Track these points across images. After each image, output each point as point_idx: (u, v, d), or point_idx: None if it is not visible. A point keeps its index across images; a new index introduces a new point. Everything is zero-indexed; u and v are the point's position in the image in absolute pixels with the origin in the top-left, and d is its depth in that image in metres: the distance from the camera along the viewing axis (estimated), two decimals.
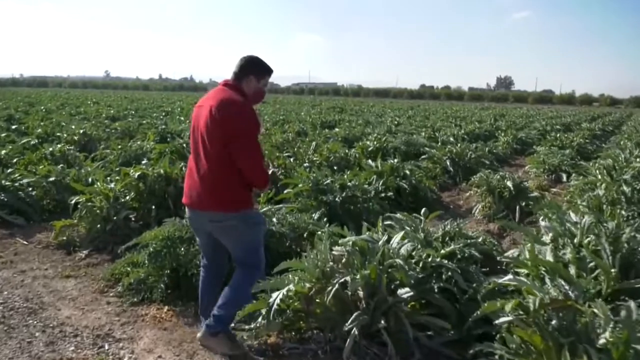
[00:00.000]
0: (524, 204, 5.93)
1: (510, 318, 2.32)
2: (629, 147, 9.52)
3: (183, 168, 5.49)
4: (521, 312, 2.34)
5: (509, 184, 5.71)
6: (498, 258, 3.32)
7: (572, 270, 3.01)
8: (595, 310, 2.21)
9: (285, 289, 2.70)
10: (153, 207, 4.70)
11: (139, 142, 8.78)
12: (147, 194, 4.79)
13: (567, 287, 2.56)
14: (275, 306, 2.63)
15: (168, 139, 9.48)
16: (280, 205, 4.42)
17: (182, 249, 3.43)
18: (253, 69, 2.68)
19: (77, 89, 67.00)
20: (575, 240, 3.27)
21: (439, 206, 6.46)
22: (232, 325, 2.85)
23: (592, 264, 2.98)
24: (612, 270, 2.65)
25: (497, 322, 2.36)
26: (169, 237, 3.47)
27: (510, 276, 2.57)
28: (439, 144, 10.61)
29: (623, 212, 3.60)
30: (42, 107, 18.25)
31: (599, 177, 6.40)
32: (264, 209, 4.13)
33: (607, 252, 2.82)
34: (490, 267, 3.93)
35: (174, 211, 4.83)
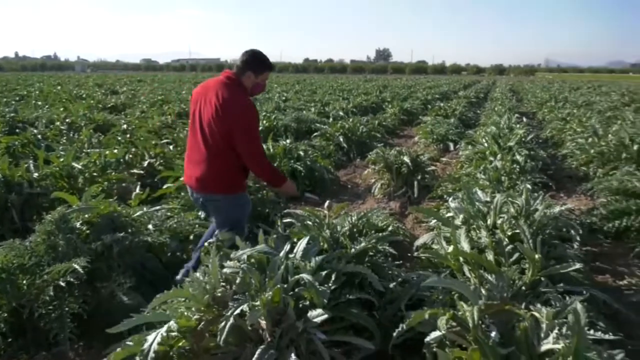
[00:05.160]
0: (420, 177, 5.80)
1: (442, 333, 1.95)
2: (506, 113, 10.00)
3: (31, 166, 4.47)
4: (454, 324, 1.98)
5: (407, 159, 5.52)
6: (415, 254, 2.98)
7: (491, 256, 2.77)
8: (536, 314, 1.92)
9: (165, 328, 2.08)
10: None
11: None
12: None
13: (494, 281, 2.28)
14: (152, 353, 2.01)
15: (18, 130, 7.96)
16: (157, 207, 3.69)
17: (25, 281, 2.61)
18: (251, 66, 2.88)
19: None
20: (489, 222, 3.05)
21: (337, 187, 6.13)
22: None
23: (509, 247, 2.77)
24: (537, 255, 2.41)
25: (427, 339, 1.98)
26: (4, 268, 2.62)
27: (435, 277, 2.21)
28: (330, 119, 10.32)
29: (528, 185, 3.48)
30: None
31: (486, 145, 6.51)
32: (137, 214, 3.39)
33: (527, 235, 2.59)
34: (401, 254, 3.65)
35: (22, 225, 3.87)
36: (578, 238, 3.28)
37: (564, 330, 1.80)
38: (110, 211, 3.22)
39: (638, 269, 3.65)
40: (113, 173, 4.82)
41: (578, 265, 2.50)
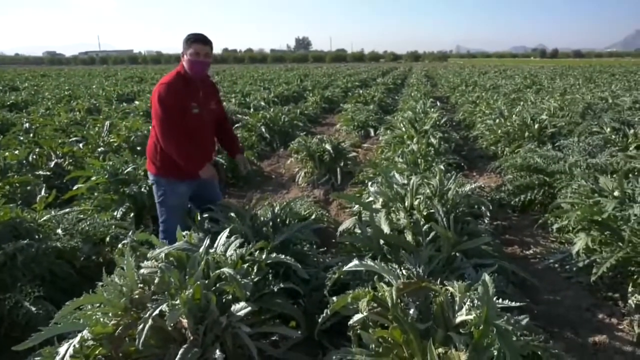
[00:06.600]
0: (342, 164, 5.90)
1: (365, 314, 2.00)
2: (421, 98, 10.41)
3: None
4: (375, 305, 2.04)
5: (329, 147, 5.58)
6: (338, 239, 3.02)
7: (409, 236, 2.87)
8: (450, 288, 2.02)
9: (78, 337, 1.96)
10: None
11: None
12: None
13: (412, 261, 2.37)
14: None
15: None
16: (67, 209, 3.45)
17: None
18: (183, 44, 2.97)
19: None
20: (406, 204, 3.16)
21: (261, 177, 6.07)
22: None
23: (425, 227, 2.89)
24: (449, 233, 2.54)
25: (351, 322, 2.03)
26: None
27: (356, 262, 2.26)
28: (251, 109, 10.19)
29: (442, 166, 3.65)
30: None
31: (404, 129, 6.74)
32: (43, 218, 3.15)
33: (441, 215, 2.72)
34: (327, 240, 3.70)
35: None
36: (488, 213, 3.51)
37: (475, 301, 1.91)
38: (12, 217, 2.97)
39: (542, 239, 3.97)
40: (15, 176, 4.44)
41: (488, 239, 2.67)
